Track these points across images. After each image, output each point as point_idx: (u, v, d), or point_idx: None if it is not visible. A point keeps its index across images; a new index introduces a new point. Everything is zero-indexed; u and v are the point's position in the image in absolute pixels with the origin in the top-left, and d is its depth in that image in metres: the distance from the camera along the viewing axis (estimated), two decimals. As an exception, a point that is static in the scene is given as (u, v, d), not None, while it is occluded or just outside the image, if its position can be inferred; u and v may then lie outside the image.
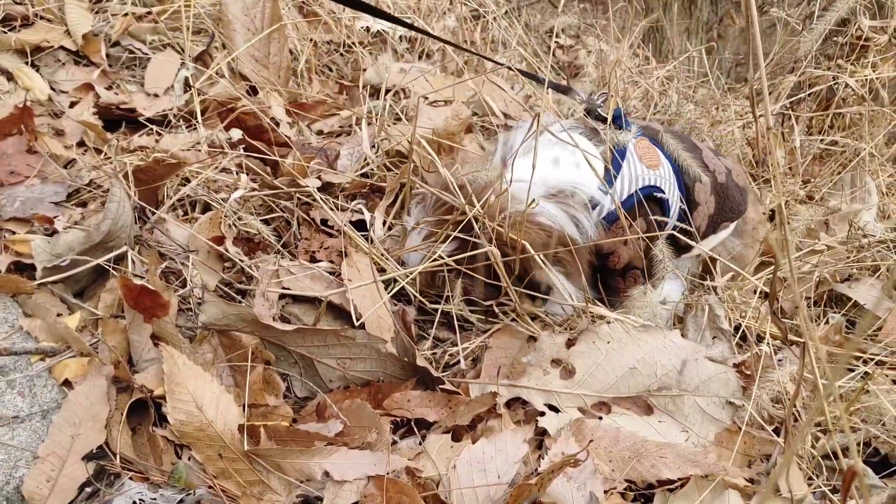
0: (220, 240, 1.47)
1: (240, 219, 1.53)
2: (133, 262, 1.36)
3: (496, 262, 1.37)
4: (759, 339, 1.50)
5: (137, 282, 1.20)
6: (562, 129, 1.50)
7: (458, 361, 1.42)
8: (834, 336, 1.66)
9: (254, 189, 1.57)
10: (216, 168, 1.59)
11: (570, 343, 1.34)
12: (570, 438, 1.20)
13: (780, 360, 1.47)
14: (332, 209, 1.59)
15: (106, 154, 1.62)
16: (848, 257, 1.92)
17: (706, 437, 1.27)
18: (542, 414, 1.26)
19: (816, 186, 2.38)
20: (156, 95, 2.13)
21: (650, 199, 1.56)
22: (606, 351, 1.32)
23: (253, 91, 2.20)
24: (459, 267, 1.43)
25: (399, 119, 1.98)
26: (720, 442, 1.28)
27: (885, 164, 2.36)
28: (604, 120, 1.57)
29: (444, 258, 1.41)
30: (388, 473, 1.12)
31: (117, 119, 1.92)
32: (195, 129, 1.82)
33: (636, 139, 1.60)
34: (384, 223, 1.62)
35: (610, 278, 1.57)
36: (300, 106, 2.19)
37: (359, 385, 1.36)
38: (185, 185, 1.56)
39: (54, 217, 1.47)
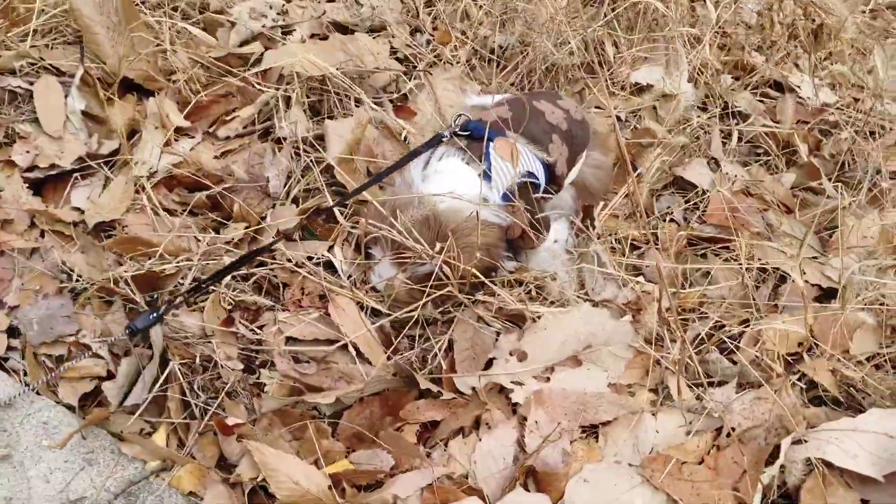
0: (229, 322, 1.85)
1: (235, 291, 1.89)
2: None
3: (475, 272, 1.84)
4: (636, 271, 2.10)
5: (229, 422, 1.61)
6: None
7: (436, 355, 1.92)
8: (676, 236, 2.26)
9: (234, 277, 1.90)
10: (203, 258, 1.89)
11: (519, 337, 1.87)
12: (539, 409, 1.77)
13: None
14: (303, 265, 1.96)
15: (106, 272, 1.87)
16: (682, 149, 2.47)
17: (619, 370, 1.88)
18: (512, 391, 1.82)
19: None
20: (59, 138, 2.27)
21: (525, 185, 2.02)
22: (544, 335, 1.86)
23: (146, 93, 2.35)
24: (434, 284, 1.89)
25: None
26: (629, 366, 1.89)
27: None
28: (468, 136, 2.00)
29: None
30: (434, 482, 1.67)
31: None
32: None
33: (493, 143, 2.00)
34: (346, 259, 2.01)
35: (514, 245, 2.07)
36: (196, 110, 2.38)
37: (371, 396, 1.85)
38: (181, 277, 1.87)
39: (83, 340, 1.79)
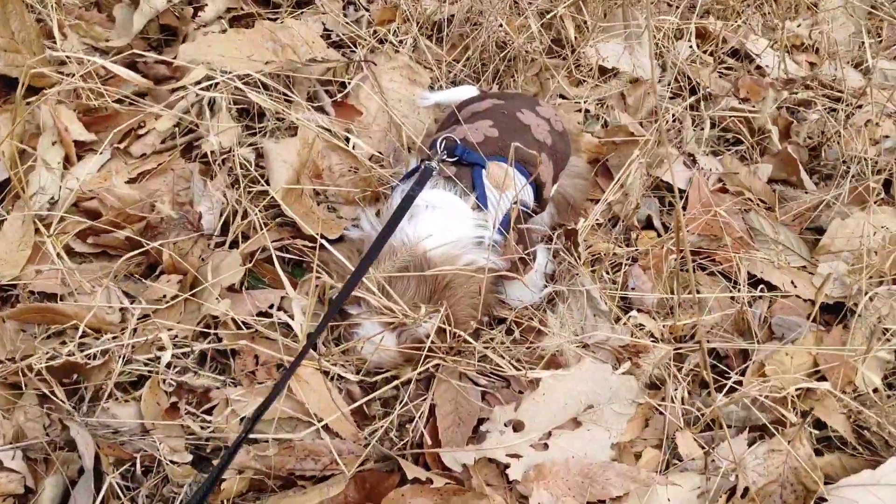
0: (173, 410, 1.54)
1: (177, 372, 1.58)
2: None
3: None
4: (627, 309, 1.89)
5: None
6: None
7: (412, 419, 1.68)
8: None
9: (175, 344, 1.58)
10: (131, 333, 1.56)
11: (516, 406, 1.64)
12: (541, 488, 1.57)
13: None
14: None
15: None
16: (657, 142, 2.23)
17: (621, 427, 1.69)
18: (508, 466, 1.60)
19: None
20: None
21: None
22: (543, 400, 1.64)
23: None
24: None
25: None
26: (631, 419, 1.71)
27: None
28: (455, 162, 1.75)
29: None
30: None
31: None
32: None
33: (486, 168, 1.74)
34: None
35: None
36: (99, 120, 1.98)
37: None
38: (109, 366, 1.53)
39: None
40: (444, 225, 1.64)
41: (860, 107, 2.55)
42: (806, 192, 2.31)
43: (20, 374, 1.49)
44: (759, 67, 2.81)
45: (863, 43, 2.80)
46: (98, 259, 1.78)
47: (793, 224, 2.22)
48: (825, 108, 2.50)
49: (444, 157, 1.74)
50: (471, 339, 1.62)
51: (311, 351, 1.62)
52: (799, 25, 3.04)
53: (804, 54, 2.94)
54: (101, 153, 1.91)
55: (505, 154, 1.77)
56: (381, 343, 1.58)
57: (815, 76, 2.70)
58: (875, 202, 2.13)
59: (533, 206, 1.85)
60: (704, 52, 2.72)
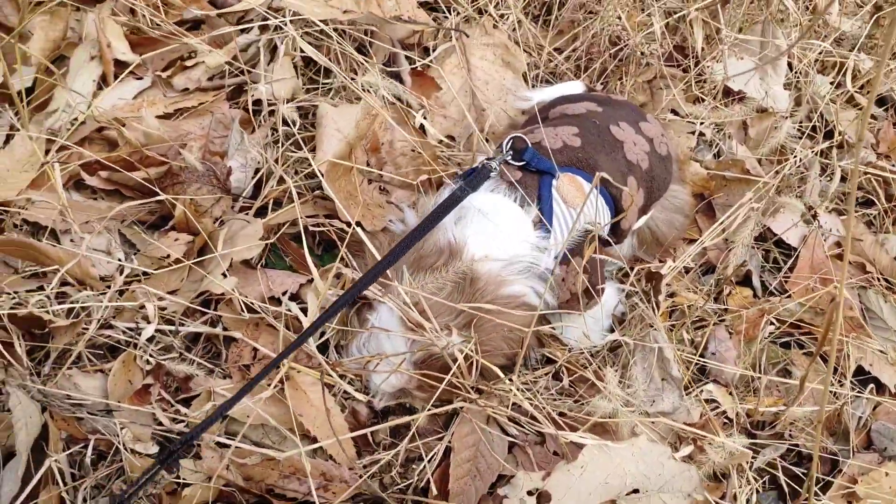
0: (144, 393, 1.30)
1: (160, 349, 1.33)
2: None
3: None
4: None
5: None
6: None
7: (420, 458, 1.41)
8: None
9: (164, 317, 1.33)
10: (113, 293, 1.32)
11: (545, 475, 1.34)
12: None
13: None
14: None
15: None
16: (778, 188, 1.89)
17: (669, 523, 1.38)
18: (523, 543, 1.32)
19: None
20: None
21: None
22: (580, 474, 1.34)
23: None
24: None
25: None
26: (679, 516, 1.40)
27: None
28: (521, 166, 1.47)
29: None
30: None
31: None
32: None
33: (557, 179, 1.45)
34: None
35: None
36: (146, 42, 1.75)
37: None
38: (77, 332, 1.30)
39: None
40: (497, 238, 1.36)
41: None
42: (942, 280, 1.94)
43: (-22, 316, 1.26)
44: (905, 121, 2.42)
45: None
46: (109, 196, 1.55)
47: (916, 310, 1.85)
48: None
49: (509, 158, 1.46)
50: (503, 376, 1.33)
51: (321, 359, 1.37)
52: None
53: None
54: (140, 78, 1.68)
55: (583, 167, 1.49)
56: (398, 366, 1.31)
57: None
58: None
59: (607, 237, 1.55)
60: (850, 98, 2.33)
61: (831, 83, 2.28)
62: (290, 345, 1.22)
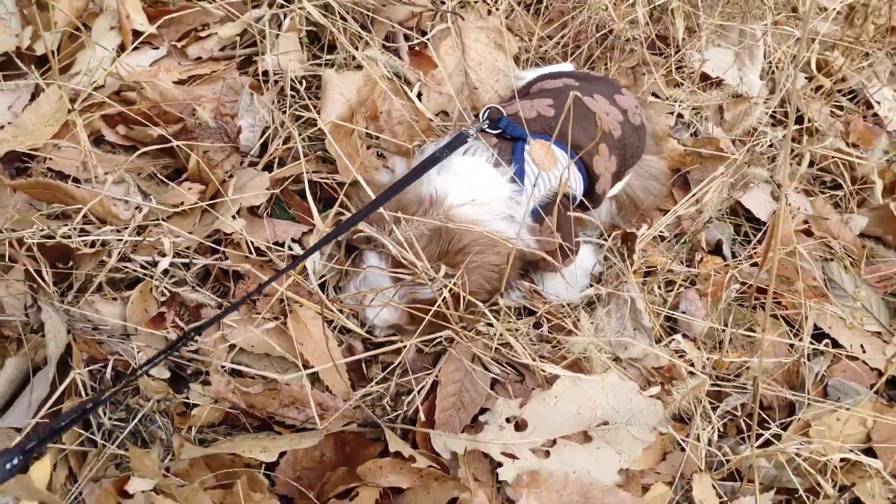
0: (159, 319, 1.42)
1: (174, 282, 1.46)
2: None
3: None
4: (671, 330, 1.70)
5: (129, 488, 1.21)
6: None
7: (410, 391, 1.53)
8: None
9: (179, 252, 1.46)
10: (134, 230, 1.45)
11: (523, 402, 1.47)
12: (531, 496, 1.40)
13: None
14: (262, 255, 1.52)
15: None
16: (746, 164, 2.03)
17: (636, 453, 1.51)
18: (500, 464, 1.44)
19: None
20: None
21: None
22: (554, 403, 1.47)
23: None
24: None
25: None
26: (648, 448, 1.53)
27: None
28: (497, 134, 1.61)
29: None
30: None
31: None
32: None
33: (529, 145, 1.58)
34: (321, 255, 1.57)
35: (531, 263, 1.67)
36: (163, 13, 1.88)
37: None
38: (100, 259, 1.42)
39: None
40: (475, 189, 1.49)
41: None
42: (901, 257, 2.08)
43: (10, 245, 1.39)
44: (875, 115, 2.56)
45: None
46: (126, 152, 1.69)
47: (877, 285, 1.99)
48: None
49: (486, 126, 1.59)
50: (491, 317, 1.46)
51: (321, 295, 1.50)
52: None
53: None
54: (157, 48, 1.82)
55: (553, 133, 1.62)
56: (391, 299, 1.44)
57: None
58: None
59: (582, 199, 1.68)
60: (819, 88, 2.49)
61: (808, 78, 2.43)
62: (284, 267, 1.35)
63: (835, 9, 2.55)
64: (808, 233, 2.07)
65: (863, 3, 2.59)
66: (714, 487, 1.50)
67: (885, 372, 1.68)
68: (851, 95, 2.58)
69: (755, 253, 1.98)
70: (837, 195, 2.20)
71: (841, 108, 2.52)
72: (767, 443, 1.55)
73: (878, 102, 2.57)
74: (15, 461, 0.97)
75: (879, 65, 2.64)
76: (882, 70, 2.64)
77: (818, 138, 2.28)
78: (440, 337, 1.50)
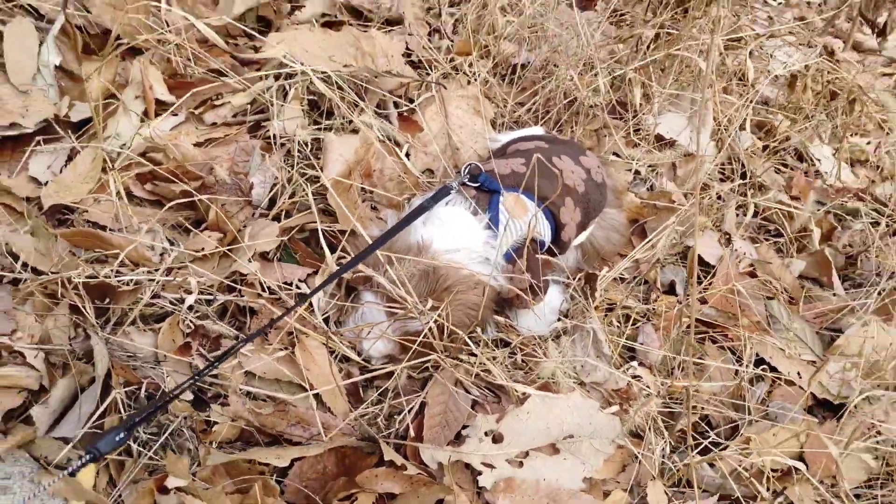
0: (185, 348, 1.66)
1: (197, 316, 1.70)
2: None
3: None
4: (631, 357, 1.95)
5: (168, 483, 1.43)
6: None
7: (401, 411, 1.76)
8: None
9: (202, 290, 1.70)
10: (164, 272, 1.69)
11: (499, 418, 1.71)
12: (507, 499, 1.63)
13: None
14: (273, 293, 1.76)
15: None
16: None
17: (598, 464, 1.74)
18: (480, 473, 1.67)
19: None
20: (26, 92, 2.02)
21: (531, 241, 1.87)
22: (526, 419, 1.71)
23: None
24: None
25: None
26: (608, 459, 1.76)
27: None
28: (476, 187, 1.87)
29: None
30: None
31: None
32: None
33: (503, 197, 1.85)
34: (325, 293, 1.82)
35: (504, 301, 1.92)
36: (182, 85, 2.15)
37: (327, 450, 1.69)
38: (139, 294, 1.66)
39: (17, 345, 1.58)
40: (456, 237, 1.75)
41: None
42: (834, 295, 2.34)
43: (59, 284, 1.62)
44: (817, 172, 2.86)
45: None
46: (152, 206, 1.93)
47: (813, 321, 2.25)
48: (871, 221, 2.54)
49: (466, 180, 1.85)
50: (473, 346, 1.70)
51: (324, 326, 1.74)
52: (868, 143, 3.09)
53: (865, 169, 2.99)
54: (177, 115, 2.08)
55: (527, 188, 1.88)
56: (385, 332, 1.68)
57: (870, 191, 2.74)
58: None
59: (550, 245, 1.94)
60: (766, 147, 2.79)
61: (759, 139, 2.74)
62: (294, 304, 1.59)
63: (778, 76, 2.87)
64: (753, 275, 2.34)
65: (802, 73, 2.92)
66: (665, 493, 1.72)
67: (809, 386, 1.92)
68: (796, 154, 2.88)
69: (705, 291, 2.24)
70: (780, 242, 2.48)
71: (786, 164, 2.82)
72: (707, 451, 1.78)
73: (819, 160, 2.87)
74: (122, 434, 1.26)
75: (820, 126, 2.95)
76: (823, 131, 2.96)
77: (762, 192, 2.57)
78: (427, 362, 1.72)
